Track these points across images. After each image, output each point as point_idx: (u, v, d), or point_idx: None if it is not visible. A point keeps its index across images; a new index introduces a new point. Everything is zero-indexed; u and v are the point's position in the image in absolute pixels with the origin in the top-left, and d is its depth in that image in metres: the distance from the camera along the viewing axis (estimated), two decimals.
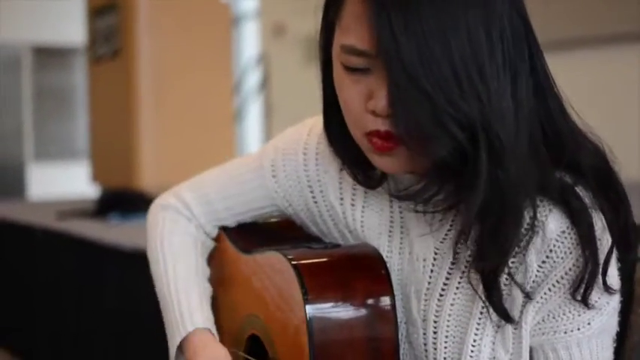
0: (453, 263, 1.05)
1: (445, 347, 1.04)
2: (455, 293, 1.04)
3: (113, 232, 3.37)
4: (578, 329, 0.99)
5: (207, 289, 1.27)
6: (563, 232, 0.98)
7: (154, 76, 4.18)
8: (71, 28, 8.43)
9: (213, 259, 1.32)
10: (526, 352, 1.01)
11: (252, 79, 8.08)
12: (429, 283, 1.07)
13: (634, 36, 4.42)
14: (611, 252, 0.98)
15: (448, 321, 1.04)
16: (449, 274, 1.05)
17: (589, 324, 0.99)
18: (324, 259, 1.11)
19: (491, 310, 1.00)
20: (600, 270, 0.97)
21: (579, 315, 0.99)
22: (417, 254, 1.09)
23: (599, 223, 0.98)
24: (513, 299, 1.00)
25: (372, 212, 1.15)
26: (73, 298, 3.50)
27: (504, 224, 0.95)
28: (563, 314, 0.99)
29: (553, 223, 0.97)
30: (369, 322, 1.06)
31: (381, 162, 1.00)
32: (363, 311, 1.06)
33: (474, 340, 1.02)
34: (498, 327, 1.01)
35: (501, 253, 0.96)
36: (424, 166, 0.97)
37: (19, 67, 9.60)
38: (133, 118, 4.17)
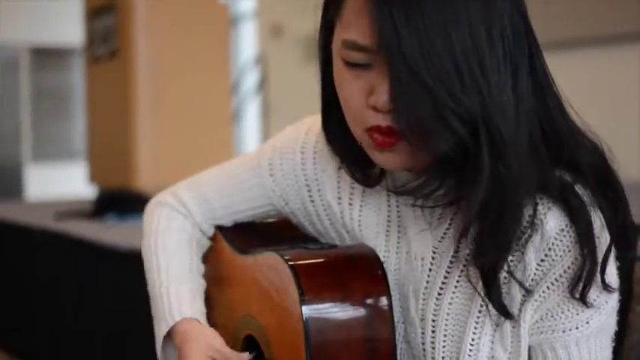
0: (451, 262, 1.05)
1: (443, 346, 1.04)
2: (453, 292, 1.04)
3: (111, 233, 3.37)
4: (577, 328, 0.99)
5: (201, 285, 1.27)
6: (562, 230, 0.97)
7: (151, 76, 4.18)
8: (69, 29, 8.43)
9: (209, 258, 1.32)
10: (525, 351, 1.01)
11: (250, 80, 8.08)
12: (427, 282, 1.07)
13: (634, 36, 4.42)
14: (610, 250, 0.98)
15: (446, 320, 1.04)
16: (447, 272, 1.05)
17: (587, 323, 0.99)
18: (321, 260, 1.11)
19: (490, 307, 1.00)
20: (599, 268, 0.97)
21: (578, 314, 0.99)
22: (415, 253, 1.09)
23: (597, 221, 0.98)
24: (512, 298, 1.00)
25: (369, 211, 1.15)
26: (72, 298, 3.49)
27: (504, 220, 0.95)
28: (562, 313, 0.99)
29: (552, 221, 0.97)
30: (366, 322, 1.06)
31: (382, 158, 1.00)
32: (359, 312, 1.06)
33: (473, 339, 1.02)
34: (497, 325, 1.01)
35: (501, 249, 0.96)
36: (425, 162, 0.97)
37: (17, 68, 9.60)
38: (131, 118, 4.16)
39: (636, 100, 4.43)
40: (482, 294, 0.99)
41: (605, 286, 0.98)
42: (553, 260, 0.98)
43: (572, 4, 4.65)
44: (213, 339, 1.17)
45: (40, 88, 9.69)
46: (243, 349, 1.23)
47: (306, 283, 1.05)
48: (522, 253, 0.98)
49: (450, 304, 1.04)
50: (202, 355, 1.15)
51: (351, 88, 0.98)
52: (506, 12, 0.94)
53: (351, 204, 1.17)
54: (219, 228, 1.30)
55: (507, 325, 1.01)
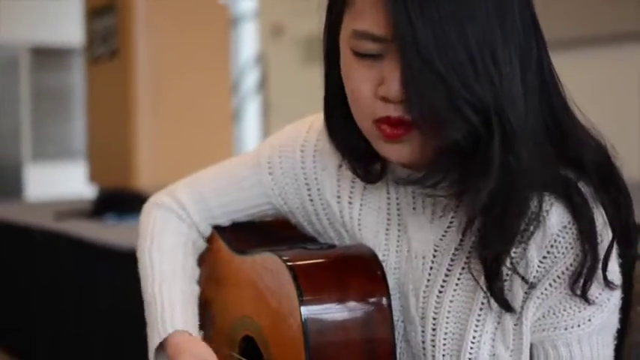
0: (452, 260, 1.05)
1: (444, 344, 1.04)
2: (454, 290, 1.04)
3: (110, 233, 3.37)
4: (579, 326, 0.99)
5: (193, 291, 1.26)
6: (565, 227, 0.97)
7: (151, 76, 4.17)
8: (69, 29, 8.42)
9: (206, 259, 1.31)
10: (526, 349, 1.00)
11: (251, 80, 8.08)
12: (428, 280, 1.07)
13: (634, 35, 4.42)
14: (612, 247, 0.98)
15: (447, 318, 1.04)
16: (448, 270, 1.05)
17: (589, 320, 0.99)
18: (320, 260, 1.10)
19: (492, 301, 0.99)
20: (600, 265, 0.97)
21: (580, 311, 0.99)
22: (416, 251, 1.08)
23: (600, 218, 0.98)
24: (514, 295, 0.99)
25: (369, 210, 1.15)
26: (71, 297, 3.49)
27: (510, 212, 0.94)
28: (564, 310, 0.99)
29: (554, 217, 0.97)
30: (365, 323, 1.05)
31: (389, 150, 1.00)
32: (358, 312, 1.06)
33: (474, 337, 1.02)
34: (498, 323, 1.01)
35: (505, 241, 0.96)
36: (432, 155, 0.97)
37: (16, 68, 9.60)
38: (131, 118, 4.16)
39: (637, 100, 4.43)
40: (485, 288, 0.99)
41: (607, 284, 0.98)
42: (555, 257, 0.98)
43: (573, 3, 4.65)
44: (204, 353, 1.15)
45: (40, 88, 9.69)
46: (240, 350, 1.22)
47: (305, 284, 1.05)
48: (524, 249, 0.98)
49: (451, 301, 1.04)
50: None
51: (361, 79, 0.98)
52: (517, 6, 0.95)
53: (350, 203, 1.16)
54: (217, 228, 1.30)
55: (509, 322, 1.00)
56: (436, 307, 1.05)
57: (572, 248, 0.97)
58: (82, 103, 5.00)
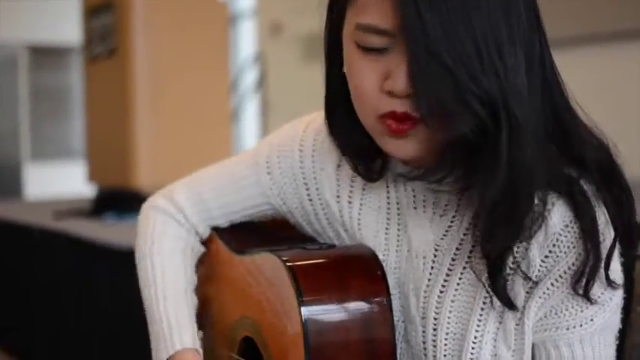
0: (453, 259, 1.04)
1: (445, 344, 1.03)
2: (455, 289, 1.03)
3: (109, 232, 3.36)
4: (581, 326, 0.98)
5: (195, 303, 1.26)
6: (567, 225, 0.97)
7: (150, 75, 4.16)
8: (67, 28, 8.41)
9: (205, 259, 1.31)
10: (528, 349, 1.00)
11: (249, 78, 8.07)
12: (429, 279, 1.06)
13: (635, 33, 4.42)
14: (614, 246, 0.97)
15: (449, 318, 1.03)
16: (449, 270, 1.05)
17: (592, 320, 0.98)
18: (319, 260, 1.10)
19: (494, 300, 0.99)
20: (602, 264, 0.96)
21: (582, 311, 0.98)
22: (416, 251, 1.08)
23: (602, 217, 0.97)
24: (516, 294, 0.99)
25: (369, 210, 1.14)
26: (71, 297, 3.49)
27: (516, 207, 0.94)
28: (566, 310, 0.99)
29: (556, 216, 0.97)
30: (365, 323, 1.05)
31: (394, 146, 0.99)
32: (358, 313, 1.05)
33: (475, 337, 1.01)
34: (500, 322, 1.00)
35: (510, 236, 0.95)
36: (437, 151, 0.96)
37: (15, 67, 9.59)
38: (130, 117, 4.15)
39: (637, 98, 4.43)
40: (487, 285, 0.98)
41: (610, 283, 0.97)
42: (557, 256, 0.97)
43: (574, 1, 4.65)
44: None
45: (39, 87, 9.68)
46: (240, 351, 1.22)
47: (305, 284, 1.04)
48: (526, 249, 0.97)
49: (452, 301, 1.03)
50: None
51: (365, 74, 0.97)
52: (523, 3, 0.94)
53: (350, 202, 1.16)
54: (216, 228, 1.29)
55: (511, 322, 1.00)
56: (437, 307, 1.04)
57: (574, 247, 0.97)
58: (81, 102, 4.99)
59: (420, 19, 0.90)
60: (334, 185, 1.17)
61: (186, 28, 4.33)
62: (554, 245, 0.97)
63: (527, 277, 0.98)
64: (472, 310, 1.02)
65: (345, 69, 1.02)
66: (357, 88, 0.99)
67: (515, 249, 0.97)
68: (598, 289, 0.97)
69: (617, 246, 0.98)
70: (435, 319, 1.04)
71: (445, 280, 1.05)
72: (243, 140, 8.17)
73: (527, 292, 0.99)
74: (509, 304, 0.98)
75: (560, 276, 0.98)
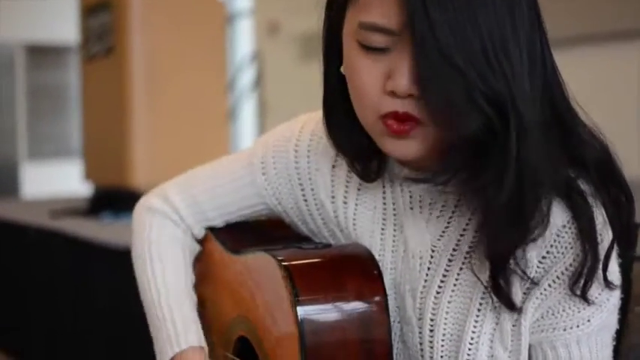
0: (450, 260, 1.04)
1: (442, 345, 1.03)
2: (452, 290, 1.03)
3: (106, 231, 3.36)
4: (578, 326, 0.98)
5: (195, 302, 1.26)
6: (564, 226, 0.97)
7: (147, 74, 4.16)
8: (64, 27, 8.41)
9: (201, 258, 1.30)
10: (525, 350, 0.99)
11: (247, 77, 8.06)
12: (426, 280, 1.06)
13: (633, 33, 4.42)
14: (612, 247, 0.97)
15: (445, 319, 1.03)
16: (446, 270, 1.04)
17: (589, 321, 0.98)
18: (315, 260, 1.09)
19: (490, 302, 0.99)
20: (600, 265, 0.96)
21: (579, 311, 0.98)
22: (413, 251, 1.07)
23: (599, 217, 0.97)
24: (513, 295, 0.98)
25: (364, 210, 1.14)
26: (67, 296, 3.48)
27: (523, 207, 0.93)
28: (563, 311, 0.98)
29: (554, 216, 0.96)
30: (362, 323, 1.04)
31: (394, 146, 0.98)
32: (355, 313, 1.04)
33: (472, 338, 1.01)
34: (497, 324, 1.00)
35: (517, 239, 0.94)
36: (438, 152, 0.96)
37: (12, 66, 9.58)
38: (126, 116, 4.15)
39: (636, 98, 4.43)
40: (490, 286, 0.98)
41: (607, 284, 0.97)
42: (555, 257, 0.97)
43: (572, 1, 4.65)
44: None
45: (36, 86, 9.67)
46: (235, 351, 1.21)
47: (300, 284, 1.04)
48: (524, 250, 0.97)
49: (449, 302, 1.03)
50: None
51: (366, 73, 0.96)
52: (525, 1, 0.94)
53: (345, 202, 1.15)
54: (211, 228, 1.29)
55: (508, 323, 0.99)
56: (434, 308, 1.04)
57: (571, 248, 0.97)
58: (78, 101, 4.99)
59: (427, 18, 0.89)
60: (329, 186, 1.17)
61: (184, 28, 4.32)
62: (551, 246, 0.97)
63: (527, 278, 0.97)
64: (469, 311, 1.01)
65: (344, 68, 1.01)
66: (357, 87, 0.98)
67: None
68: (595, 290, 0.97)
69: (615, 247, 0.98)
70: (432, 320, 1.04)
71: (442, 281, 1.04)
72: (240, 139, 8.16)
73: (525, 293, 0.98)
74: (511, 305, 0.98)
75: (558, 277, 0.97)
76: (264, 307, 1.12)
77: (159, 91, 4.20)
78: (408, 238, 1.08)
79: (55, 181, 9.04)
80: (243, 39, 8.39)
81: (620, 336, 1.03)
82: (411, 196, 1.08)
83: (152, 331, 1.23)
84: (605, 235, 0.97)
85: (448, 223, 1.05)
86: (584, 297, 0.96)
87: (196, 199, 1.27)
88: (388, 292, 1.06)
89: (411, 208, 1.08)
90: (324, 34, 1.05)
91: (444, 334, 1.03)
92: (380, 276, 1.06)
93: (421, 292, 1.06)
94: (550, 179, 0.95)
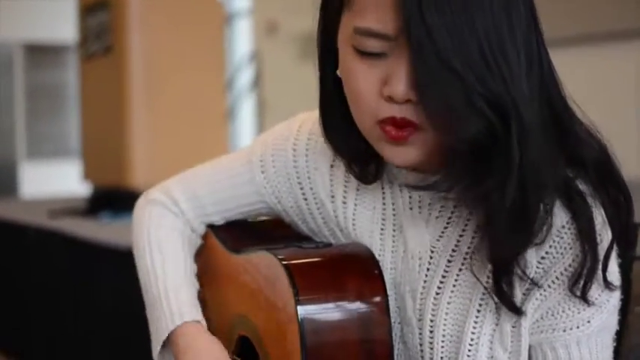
0: (449, 260, 1.04)
1: (442, 346, 1.03)
2: (452, 291, 1.03)
3: (105, 231, 3.36)
4: (578, 327, 0.98)
5: (195, 288, 1.25)
6: (563, 226, 0.96)
7: (146, 73, 4.16)
8: (63, 26, 8.40)
9: (201, 257, 1.30)
10: (525, 351, 0.99)
11: (245, 77, 8.06)
12: (425, 281, 1.06)
13: (631, 33, 4.42)
14: (612, 247, 0.97)
15: (445, 320, 1.03)
16: (445, 271, 1.04)
17: (589, 322, 0.98)
18: (316, 259, 1.09)
19: (490, 303, 0.98)
20: (600, 265, 0.95)
21: (579, 312, 0.98)
22: (412, 252, 1.07)
23: (599, 217, 0.97)
24: (513, 297, 0.98)
25: (363, 210, 1.13)
26: (67, 296, 3.48)
27: (527, 210, 0.93)
28: (563, 312, 0.98)
29: (554, 217, 0.95)
30: (362, 323, 1.04)
31: (393, 152, 0.97)
32: (355, 312, 1.04)
33: (472, 339, 1.00)
34: (496, 325, 1.00)
35: (522, 242, 0.94)
36: (435, 157, 0.95)
37: (11, 66, 9.58)
38: (125, 115, 4.15)
39: (634, 98, 4.43)
40: (492, 290, 0.97)
41: (607, 284, 0.96)
42: (554, 258, 0.97)
43: (570, 1, 4.65)
44: (214, 345, 1.16)
45: (35, 86, 9.67)
46: (236, 350, 1.21)
47: (301, 283, 1.04)
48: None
49: (448, 303, 1.03)
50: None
51: (363, 78, 0.95)
52: (522, 1, 0.93)
53: (344, 202, 1.15)
54: (211, 226, 1.29)
55: (507, 324, 0.99)
56: (433, 309, 1.04)
57: (571, 248, 0.96)
58: (77, 101, 4.99)
59: (424, 22, 0.88)
60: (328, 185, 1.16)
61: (182, 27, 4.32)
62: (550, 246, 0.96)
63: (527, 279, 0.96)
64: (468, 312, 1.01)
65: (340, 72, 1.00)
66: (354, 92, 0.97)
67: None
68: (595, 291, 0.96)
69: (615, 247, 0.97)
70: (432, 321, 1.04)
71: (441, 282, 1.04)
72: (238, 139, 8.16)
73: (524, 294, 0.98)
74: (514, 308, 0.97)
75: (557, 277, 0.97)
76: (265, 306, 1.11)
77: (157, 91, 4.20)
78: (408, 238, 1.08)
79: (54, 180, 9.04)
80: (242, 38, 8.39)
81: (620, 337, 1.03)
82: (410, 197, 1.08)
83: (148, 316, 1.22)
84: (604, 235, 0.97)
85: (447, 223, 1.05)
86: (583, 298, 0.96)
87: (196, 194, 1.27)
88: (388, 292, 1.06)
89: (411, 209, 1.08)
90: (319, 38, 1.04)
91: (443, 335, 1.03)
92: (381, 276, 1.06)
93: (421, 293, 1.06)
94: (552, 180, 0.94)
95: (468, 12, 0.88)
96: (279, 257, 1.07)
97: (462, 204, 1.02)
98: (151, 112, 4.18)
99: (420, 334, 1.05)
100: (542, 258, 0.97)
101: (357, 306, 1.05)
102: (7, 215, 4.20)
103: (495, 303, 0.99)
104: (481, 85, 0.88)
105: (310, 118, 1.18)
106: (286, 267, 1.05)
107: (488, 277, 0.99)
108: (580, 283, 0.96)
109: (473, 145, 0.90)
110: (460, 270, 1.02)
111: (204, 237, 1.30)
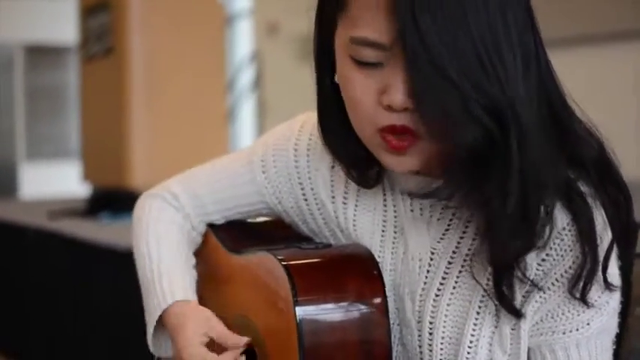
0: (449, 262, 1.04)
1: (441, 349, 1.02)
2: (451, 293, 1.03)
3: (104, 232, 3.36)
4: (577, 330, 0.97)
5: (193, 275, 1.24)
6: (564, 228, 0.96)
7: (146, 74, 4.16)
8: (64, 27, 8.40)
9: (201, 256, 1.30)
10: (524, 353, 0.99)
11: (246, 78, 8.06)
12: (425, 283, 1.05)
13: (630, 34, 4.42)
14: (612, 249, 0.96)
15: (444, 322, 1.02)
16: (445, 273, 1.04)
17: (588, 324, 0.97)
18: (315, 260, 1.09)
19: (489, 305, 0.98)
20: (600, 267, 0.95)
21: (578, 315, 0.97)
22: (413, 254, 1.07)
23: (599, 218, 0.96)
24: (513, 299, 0.98)
25: (364, 211, 1.13)
26: (66, 297, 3.48)
27: (528, 213, 0.92)
28: (562, 314, 0.98)
29: (554, 219, 0.95)
30: (361, 324, 1.04)
31: (393, 161, 0.97)
32: (354, 313, 1.04)
33: (471, 341, 1.00)
34: (495, 327, 1.00)
35: (524, 246, 0.93)
36: (436, 165, 0.95)
37: (11, 67, 9.58)
38: (125, 116, 4.15)
39: (632, 98, 4.43)
40: (492, 293, 0.97)
41: (607, 286, 0.96)
42: (554, 260, 0.96)
43: (569, 2, 4.65)
44: (210, 317, 1.15)
45: (35, 87, 9.68)
46: None
47: (300, 284, 1.04)
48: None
49: (448, 305, 1.02)
50: (199, 331, 1.14)
51: (361, 87, 0.95)
52: (517, 2, 0.92)
53: (345, 203, 1.15)
54: (211, 226, 1.29)
55: (506, 326, 0.99)
56: (433, 311, 1.03)
57: (571, 250, 0.96)
58: (77, 102, 4.99)
59: (417, 31, 0.87)
60: (328, 186, 1.16)
61: (183, 28, 4.32)
62: (550, 248, 0.96)
63: (527, 281, 0.96)
64: (468, 315, 1.01)
65: (337, 79, 0.99)
66: (352, 100, 0.97)
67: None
68: (595, 293, 0.96)
69: (615, 248, 0.97)
70: (431, 323, 1.04)
71: (441, 284, 1.04)
72: (239, 140, 8.16)
73: (524, 297, 0.98)
74: (514, 312, 0.97)
75: (557, 280, 0.97)
76: (264, 306, 1.11)
77: (158, 92, 4.20)
78: (409, 240, 1.08)
79: (54, 181, 9.04)
80: (243, 39, 8.39)
81: (620, 339, 1.02)
82: (411, 198, 1.08)
83: (145, 307, 1.22)
84: (604, 236, 0.96)
85: (448, 225, 1.05)
86: (583, 300, 0.96)
87: (196, 192, 1.27)
88: (388, 293, 1.06)
89: (412, 211, 1.08)
90: (316, 45, 1.03)
91: (442, 337, 1.02)
92: (380, 276, 1.06)
93: (420, 295, 1.05)
94: (553, 180, 0.94)
95: (462, 15, 0.88)
96: (279, 258, 1.07)
97: (462, 207, 1.02)
98: (151, 113, 4.18)
99: (419, 335, 1.05)
100: (543, 260, 0.97)
101: (356, 307, 1.05)
102: (6, 216, 4.20)
103: (495, 305, 0.99)
104: (477, 90, 0.88)
105: (311, 118, 1.18)
106: (286, 267, 1.05)
107: (488, 280, 0.99)
108: (580, 284, 0.95)
109: (471, 151, 0.89)
110: (460, 272, 1.02)
111: (205, 237, 1.30)
